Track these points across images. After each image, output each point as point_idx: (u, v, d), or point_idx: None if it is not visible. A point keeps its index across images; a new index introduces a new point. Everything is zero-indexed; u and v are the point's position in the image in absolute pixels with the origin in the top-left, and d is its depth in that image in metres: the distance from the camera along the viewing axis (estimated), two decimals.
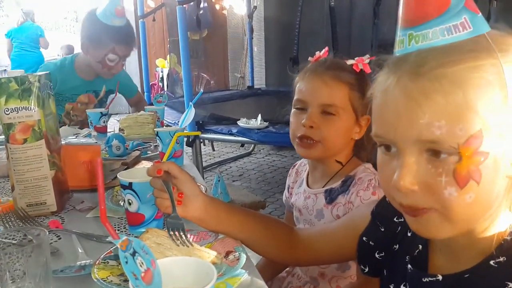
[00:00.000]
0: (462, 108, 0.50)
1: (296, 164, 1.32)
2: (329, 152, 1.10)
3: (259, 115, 3.11)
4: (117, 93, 2.24)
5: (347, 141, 1.11)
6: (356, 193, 1.04)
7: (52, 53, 6.81)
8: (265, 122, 3.08)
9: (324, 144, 1.08)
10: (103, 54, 2.17)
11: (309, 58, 1.16)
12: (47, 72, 1.14)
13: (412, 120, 0.52)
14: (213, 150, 5.33)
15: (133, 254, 0.54)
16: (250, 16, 5.28)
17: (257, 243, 0.90)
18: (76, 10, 8.62)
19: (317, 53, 1.15)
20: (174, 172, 0.83)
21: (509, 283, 0.54)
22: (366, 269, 0.79)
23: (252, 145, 5.04)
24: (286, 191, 1.31)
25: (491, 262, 0.56)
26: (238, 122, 3.15)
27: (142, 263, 0.54)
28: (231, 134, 3.11)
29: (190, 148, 3.19)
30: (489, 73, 0.51)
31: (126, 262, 0.52)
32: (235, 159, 4.97)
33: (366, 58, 1.08)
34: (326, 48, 1.16)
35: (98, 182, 0.60)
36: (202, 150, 5.35)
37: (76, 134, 1.82)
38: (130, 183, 0.92)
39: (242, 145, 4.93)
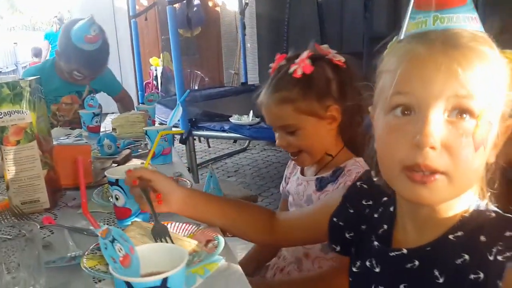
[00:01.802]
0: (489, 79, 0.59)
1: None
2: (317, 155, 1.16)
3: (251, 112, 3.16)
4: (93, 94, 2.29)
5: (325, 136, 1.16)
6: (344, 183, 1.10)
7: None
8: (257, 118, 3.13)
9: (307, 152, 1.15)
10: (70, 69, 2.25)
11: (269, 70, 1.20)
12: (38, 76, 1.20)
13: (452, 78, 0.57)
14: (209, 147, 5.39)
15: (112, 241, 0.60)
16: (242, 12, 5.33)
17: (237, 228, 0.98)
18: (70, 10, 8.66)
19: (271, 65, 1.19)
20: (146, 176, 0.91)
21: (464, 254, 0.61)
22: (338, 248, 0.84)
23: (247, 141, 5.10)
24: (283, 181, 1.36)
25: (450, 236, 0.63)
26: (230, 119, 3.21)
27: (120, 249, 0.60)
28: (224, 131, 3.16)
29: (184, 145, 3.25)
30: (497, 61, 0.60)
31: (106, 248, 0.59)
32: (230, 155, 5.03)
33: (306, 56, 1.10)
34: (279, 56, 1.18)
35: (79, 178, 0.67)
36: (198, 147, 5.43)
37: (68, 134, 1.88)
38: (117, 180, 0.99)
39: (235, 141, 4.99)
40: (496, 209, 0.66)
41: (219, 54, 7.31)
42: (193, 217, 0.96)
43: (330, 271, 1.10)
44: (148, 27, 6.76)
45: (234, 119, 3.19)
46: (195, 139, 3.54)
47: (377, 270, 0.71)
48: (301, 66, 1.09)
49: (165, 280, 0.59)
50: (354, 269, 0.76)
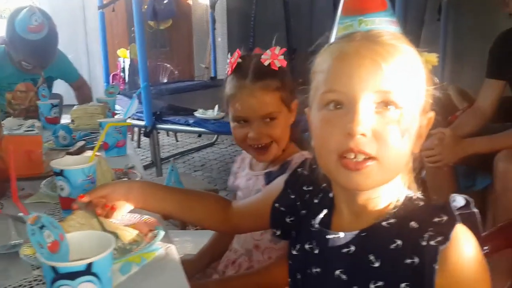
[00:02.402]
0: (410, 73, 0.66)
1: (242, 153, 1.41)
2: (283, 146, 1.19)
3: (216, 106, 3.18)
4: (45, 84, 2.26)
5: (288, 128, 1.20)
6: None
7: None
8: (221, 113, 3.15)
9: (277, 143, 1.17)
10: (18, 58, 2.22)
11: (227, 67, 1.20)
12: None
13: (376, 72, 0.64)
14: (177, 141, 5.39)
15: (41, 227, 0.62)
16: (212, 6, 5.33)
17: (194, 216, 1.02)
18: None
19: (228, 65, 1.19)
20: (97, 195, 0.92)
21: (397, 240, 0.66)
22: (278, 232, 0.88)
23: (216, 136, 5.11)
24: (231, 176, 1.39)
25: (384, 223, 0.69)
26: (195, 113, 3.22)
27: (49, 235, 0.63)
28: (188, 125, 3.17)
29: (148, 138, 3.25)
30: (416, 59, 0.68)
31: (33, 234, 0.62)
32: (198, 149, 5.04)
33: (278, 52, 1.13)
34: (238, 52, 1.19)
35: (10, 169, 0.68)
36: (166, 141, 5.41)
37: (20, 125, 1.86)
38: (62, 170, 1.01)
39: (200, 136, 5.00)
40: (423, 197, 0.72)
41: (190, 47, 7.27)
42: (150, 208, 0.98)
43: (270, 263, 1.14)
44: (118, 18, 6.67)
45: (198, 113, 3.21)
46: (159, 133, 3.53)
47: (316, 252, 0.75)
48: (278, 59, 1.13)
49: (90, 265, 0.62)
50: (293, 252, 0.80)
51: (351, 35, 0.68)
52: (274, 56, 1.13)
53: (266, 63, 1.13)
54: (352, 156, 0.64)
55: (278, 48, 1.13)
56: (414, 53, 0.68)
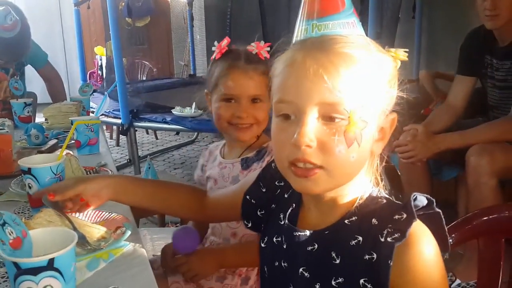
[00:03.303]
0: (360, 81, 0.64)
1: (208, 147, 1.43)
2: (261, 130, 1.23)
3: (194, 103, 3.17)
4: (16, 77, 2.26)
5: (268, 116, 1.24)
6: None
7: None
8: (199, 110, 3.15)
9: (258, 125, 1.22)
10: None
11: (213, 48, 1.23)
12: None
13: (320, 84, 0.63)
14: (156, 138, 5.36)
15: (3, 224, 0.62)
16: (190, 3, 5.31)
17: (169, 207, 1.03)
18: None
19: (216, 49, 1.22)
20: (69, 195, 0.91)
21: (358, 236, 0.68)
22: (249, 224, 0.90)
23: (196, 133, 5.10)
24: (199, 170, 1.39)
25: (346, 221, 0.70)
26: (173, 111, 3.21)
27: (11, 232, 0.63)
28: (166, 123, 3.16)
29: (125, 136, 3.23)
30: (372, 62, 0.66)
31: None
32: (178, 147, 5.02)
33: (263, 45, 1.20)
34: (227, 40, 1.23)
35: None
36: (145, 139, 5.38)
37: None
38: (29, 168, 1.00)
39: (177, 133, 4.99)
40: (387, 195, 0.73)
41: (169, 45, 7.23)
42: (123, 202, 1.00)
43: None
44: (95, 15, 6.60)
45: (176, 111, 3.19)
46: (137, 131, 3.51)
47: (284, 247, 0.76)
48: (263, 50, 1.20)
49: (51, 261, 0.62)
50: (262, 245, 0.82)
51: (303, 42, 0.68)
52: (259, 48, 1.20)
53: (253, 52, 1.20)
54: (301, 164, 0.66)
55: (262, 42, 1.20)
56: (369, 57, 0.67)
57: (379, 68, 0.68)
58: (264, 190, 0.86)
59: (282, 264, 0.76)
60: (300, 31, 0.69)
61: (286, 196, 0.82)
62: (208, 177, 1.34)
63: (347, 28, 0.68)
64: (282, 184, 0.83)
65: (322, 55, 0.64)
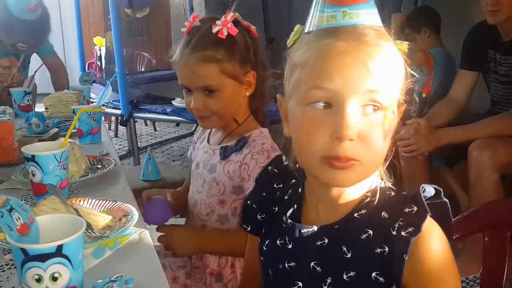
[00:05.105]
0: (393, 73, 0.65)
1: None
2: (226, 119, 1.17)
3: None
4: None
5: (239, 101, 1.16)
6: (251, 155, 1.11)
7: None
8: None
9: (218, 116, 1.14)
10: (13, 41, 2.21)
11: (182, 29, 1.15)
12: None
13: (366, 71, 0.62)
14: (155, 130, 5.34)
15: (10, 210, 0.61)
16: None
17: None
18: None
19: (186, 23, 1.14)
20: None
21: (369, 230, 0.67)
22: (249, 228, 0.88)
23: (195, 125, 5.07)
24: (191, 147, 1.35)
25: (355, 214, 0.69)
26: (173, 102, 3.20)
27: (19, 218, 0.62)
28: (166, 114, 3.15)
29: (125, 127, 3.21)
30: (398, 56, 0.67)
31: (1, 216, 0.61)
32: (176, 139, 5.01)
33: (230, 17, 1.09)
34: (194, 16, 1.14)
35: None
36: (144, 131, 5.36)
37: None
38: (33, 156, 0.99)
39: (178, 125, 4.96)
40: (394, 188, 0.72)
41: (169, 36, 7.18)
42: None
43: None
44: (94, 5, 6.56)
45: (176, 102, 3.18)
46: (136, 122, 3.50)
47: (290, 246, 0.75)
48: (226, 26, 1.08)
49: (60, 247, 0.61)
50: (264, 248, 0.81)
51: (337, 31, 0.65)
52: (224, 23, 1.08)
53: (215, 30, 1.08)
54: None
55: (231, 13, 1.09)
56: (396, 50, 0.67)
57: (402, 61, 0.68)
58: (264, 194, 0.85)
59: (287, 265, 0.75)
60: (326, 17, 0.66)
61: (286, 197, 0.81)
62: (194, 158, 1.30)
63: (373, 17, 0.67)
64: (281, 186, 0.82)
65: (367, 47, 0.64)
